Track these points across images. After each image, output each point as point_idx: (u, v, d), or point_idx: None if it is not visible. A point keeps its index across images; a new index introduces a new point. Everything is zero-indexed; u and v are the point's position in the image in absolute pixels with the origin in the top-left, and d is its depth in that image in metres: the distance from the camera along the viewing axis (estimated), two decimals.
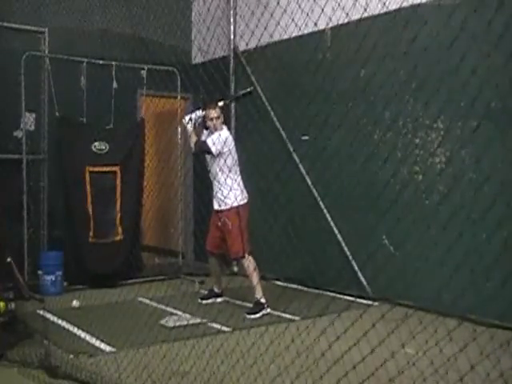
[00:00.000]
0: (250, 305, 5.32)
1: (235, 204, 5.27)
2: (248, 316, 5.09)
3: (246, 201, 5.36)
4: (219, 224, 5.37)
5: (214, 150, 5.23)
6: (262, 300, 5.20)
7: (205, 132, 5.48)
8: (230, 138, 5.38)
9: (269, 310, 5.19)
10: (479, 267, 4.40)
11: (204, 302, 5.64)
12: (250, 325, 4.74)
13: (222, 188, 5.24)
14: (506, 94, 4.46)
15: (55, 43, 6.58)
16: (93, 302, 5.38)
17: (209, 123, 5.39)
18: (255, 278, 5.24)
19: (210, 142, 5.25)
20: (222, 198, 5.26)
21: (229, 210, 5.29)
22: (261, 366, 3.41)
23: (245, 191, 5.38)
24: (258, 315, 5.11)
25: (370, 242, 5.64)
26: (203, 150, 5.33)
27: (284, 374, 3.34)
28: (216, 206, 5.40)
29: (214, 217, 5.47)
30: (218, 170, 5.27)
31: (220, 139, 5.22)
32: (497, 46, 4.15)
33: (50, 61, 6.49)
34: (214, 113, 5.34)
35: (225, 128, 5.46)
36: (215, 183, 5.34)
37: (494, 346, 2.87)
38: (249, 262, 5.28)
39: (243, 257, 5.29)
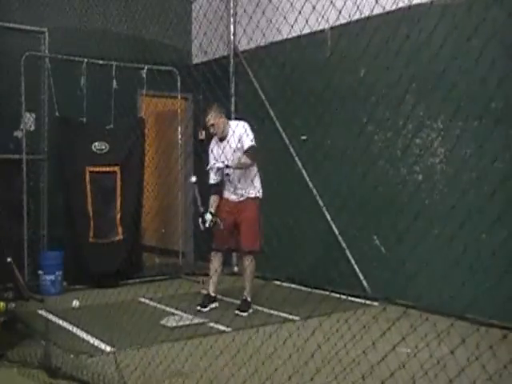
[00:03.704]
0: (253, 305, 5.33)
1: (258, 195, 5.25)
2: (240, 313, 5.12)
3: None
4: (234, 216, 5.20)
5: (254, 143, 5.05)
6: (249, 299, 5.26)
7: (217, 142, 5.26)
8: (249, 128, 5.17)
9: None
10: (478, 267, 4.40)
11: (204, 310, 5.25)
12: (251, 325, 4.74)
13: (243, 180, 5.13)
14: (506, 94, 4.46)
15: (55, 43, 6.57)
16: (93, 302, 5.38)
17: (210, 130, 5.23)
18: (252, 278, 5.30)
19: (247, 143, 5.02)
20: (245, 189, 5.13)
21: (252, 199, 5.21)
22: (262, 366, 3.41)
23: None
24: (247, 313, 5.14)
25: (370, 242, 5.64)
26: (254, 155, 5.06)
27: (285, 374, 3.34)
28: (234, 198, 5.23)
29: (228, 209, 5.24)
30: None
31: (248, 133, 5.03)
32: (497, 45, 4.15)
33: (49, 61, 6.50)
34: (210, 120, 5.17)
35: (232, 122, 5.27)
36: (235, 178, 5.16)
37: (490, 344, 2.87)
38: (253, 261, 5.26)
39: (259, 252, 5.24)
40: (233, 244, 5.37)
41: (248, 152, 5.07)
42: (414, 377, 3.01)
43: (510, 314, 4.40)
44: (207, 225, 5.10)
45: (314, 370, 3.26)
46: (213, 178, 5.31)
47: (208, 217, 5.09)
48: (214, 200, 5.26)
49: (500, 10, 4.09)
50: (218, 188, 5.32)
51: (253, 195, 5.22)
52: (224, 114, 5.29)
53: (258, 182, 5.27)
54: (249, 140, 5.08)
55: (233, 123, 5.27)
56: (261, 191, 5.30)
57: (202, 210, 5.16)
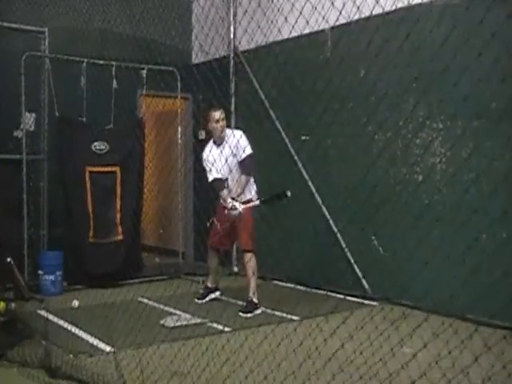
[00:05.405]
0: None
1: (253, 198, 5.36)
2: (243, 314, 5.14)
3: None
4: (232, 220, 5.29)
5: (251, 151, 5.23)
6: (255, 300, 5.26)
7: (213, 146, 5.39)
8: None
9: (261, 310, 5.23)
10: (479, 267, 4.39)
11: (200, 301, 5.61)
12: (250, 325, 4.74)
13: (240, 188, 5.26)
14: (507, 93, 4.45)
15: (55, 43, 6.57)
16: (93, 302, 5.38)
17: (215, 125, 5.32)
18: (253, 277, 5.30)
19: (247, 151, 5.21)
20: (242, 194, 5.27)
21: (247, 202, 5.29)
22: (261, 365, 3.41)
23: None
24: (251, 314, 5.15)
25: (369, 242, 5.64)
26: (251, 164, 5.24)
27: (284, 374, 3.34)
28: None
29: (224, 211, 5.30)
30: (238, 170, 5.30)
31: (244, 140, 5.20)
32: (497, 45, 4.15)
33: (49, 61, 6.49)
34: (219, 113, 5.33)
35: (229, 129, 5.46)
36: (233, 181, 5.30)
37: (489, 344, 2.88)
38: (253, 259, 5.33)
39: (252, 250, 5.34)
40: (228, 245, 5.64)
41: (244, 162, 5.22)
42: (415, 377, 3.01)
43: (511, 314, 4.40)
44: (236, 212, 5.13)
45: (313, 370, 3.25)
46: (215, 175, 5.28)
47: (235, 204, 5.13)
48: (225, 193, 5.25)
49: (500, 10, 4.09)
50: (224, 182, 5.31)
51: (248, 198, 5.32)
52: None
53: (253, 189, 5.42)
54: (248, 148, 5.24)
55: (229, 130, 5.46)
56: (256, 196, 5.40)
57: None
